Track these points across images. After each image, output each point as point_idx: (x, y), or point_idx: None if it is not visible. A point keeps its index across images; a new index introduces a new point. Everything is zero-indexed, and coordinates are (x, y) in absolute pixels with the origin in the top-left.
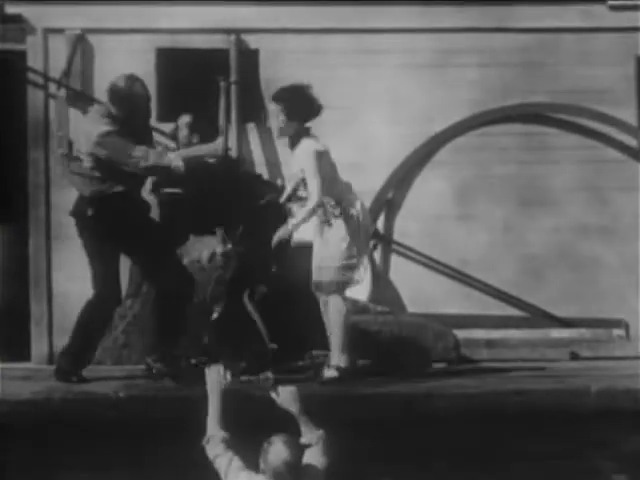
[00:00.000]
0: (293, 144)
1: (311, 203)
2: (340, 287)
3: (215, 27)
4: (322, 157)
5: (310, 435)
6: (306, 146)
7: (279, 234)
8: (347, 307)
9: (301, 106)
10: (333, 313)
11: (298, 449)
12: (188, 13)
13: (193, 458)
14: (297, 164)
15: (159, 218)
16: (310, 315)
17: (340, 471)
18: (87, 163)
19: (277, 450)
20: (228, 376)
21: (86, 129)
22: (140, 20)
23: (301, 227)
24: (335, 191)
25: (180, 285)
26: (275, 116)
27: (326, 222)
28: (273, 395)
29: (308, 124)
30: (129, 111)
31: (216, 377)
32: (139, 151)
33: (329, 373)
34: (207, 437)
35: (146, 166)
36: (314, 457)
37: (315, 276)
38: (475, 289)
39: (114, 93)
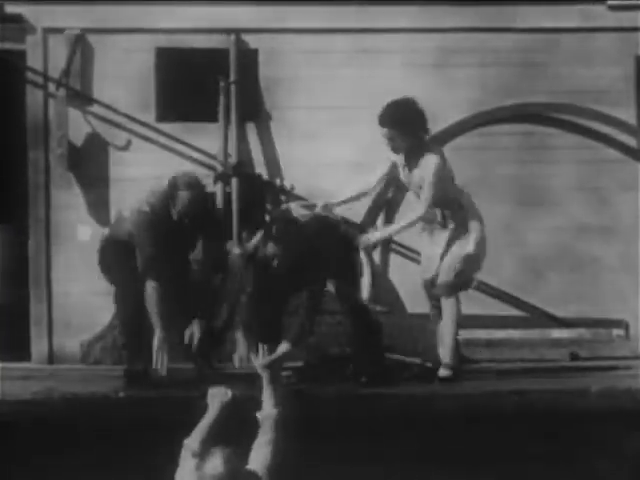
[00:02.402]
0: (410, 158)
1: (419, 212)
2: (455, 290)
3: (215, 27)
4: (444, 168)
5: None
6: (430, 158)
7: (373, 236)
8: (460, 309)
9: (414, 119)
10: (449, 315)
11: (237, 464)
12: (188, 13)
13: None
14: (419, 177)
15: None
16: None
17: (340, 471)
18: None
19: (213, 465)
20: (229, 394)
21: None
22: (140, 20)
23: None
24: (452, 195)
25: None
26: (387, 136)
27: (442, 224)
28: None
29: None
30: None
31: (219, 397)
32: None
33: (444, 372)
34: (187, 443)
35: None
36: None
37: (427, 276)
38: (475, 289)
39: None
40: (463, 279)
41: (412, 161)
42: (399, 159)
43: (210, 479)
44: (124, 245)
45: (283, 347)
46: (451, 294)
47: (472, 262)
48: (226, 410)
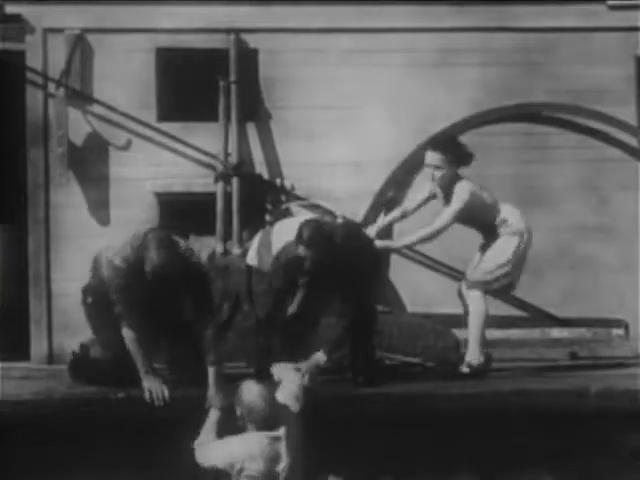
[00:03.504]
0: (447, 190)
1: (438, 225)
2: (483, 286)
3: (215, 27)
4: (474, 198)
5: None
6: (463, 185)
7: (389, 245)
8: (487, 307)
9: (459, 153)
10: (473, 310)
11: (270, 388)
12: (188, 13)
13: (193, 458)
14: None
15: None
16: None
17: (339, 470)
18: None
19: (250, 387)
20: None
21: None
22: (140, 20)
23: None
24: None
25: None
26: (435, 163)
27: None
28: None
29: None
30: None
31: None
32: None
33: (464, 369)
34: (198, 442)
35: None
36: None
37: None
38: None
39: None
40: (487, 277)
41: (448, 194)
42: (438, 192)
43: (256, 397)
44: (104, 294)
45: (319, 357)
46: (474, 288)
47: (501, 267)
48: (227, 410)
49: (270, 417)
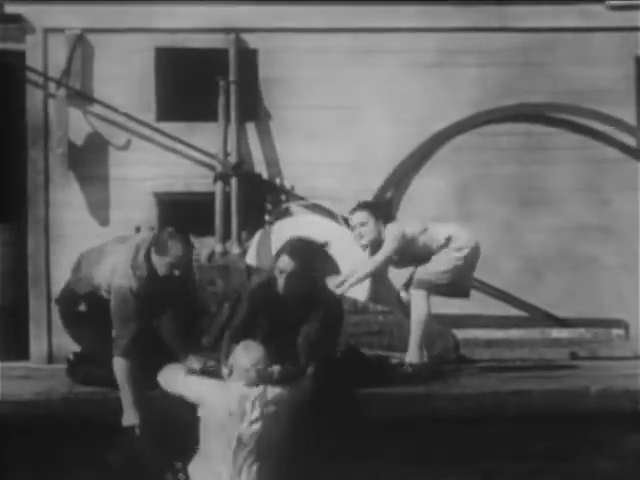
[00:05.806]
0: (378, 240)
1: (371, 266)
2: (428, 286)
3: (214, 27)
4: (407, 238)
5: None
6: (392, 226)
7: (341, 288)
8: (429, 307)
9: (382, 207)
10: (414, 309)
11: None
12: (187, 13)
13: (192, 458)
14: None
15: None
16: None
17: (339, 470)
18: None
19: (249, 342)
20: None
21: None
22: (139, 20)
23: None
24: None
25: None
26: (361, 220)
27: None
28: None
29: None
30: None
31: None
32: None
33: (407, 369)
34: (164, 371)
35: None
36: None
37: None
38: (475, 289)
39: None
40: (431, 278)
41: (377, 246)
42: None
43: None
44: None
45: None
46: (418, 287)
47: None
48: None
49: (256, 372)
